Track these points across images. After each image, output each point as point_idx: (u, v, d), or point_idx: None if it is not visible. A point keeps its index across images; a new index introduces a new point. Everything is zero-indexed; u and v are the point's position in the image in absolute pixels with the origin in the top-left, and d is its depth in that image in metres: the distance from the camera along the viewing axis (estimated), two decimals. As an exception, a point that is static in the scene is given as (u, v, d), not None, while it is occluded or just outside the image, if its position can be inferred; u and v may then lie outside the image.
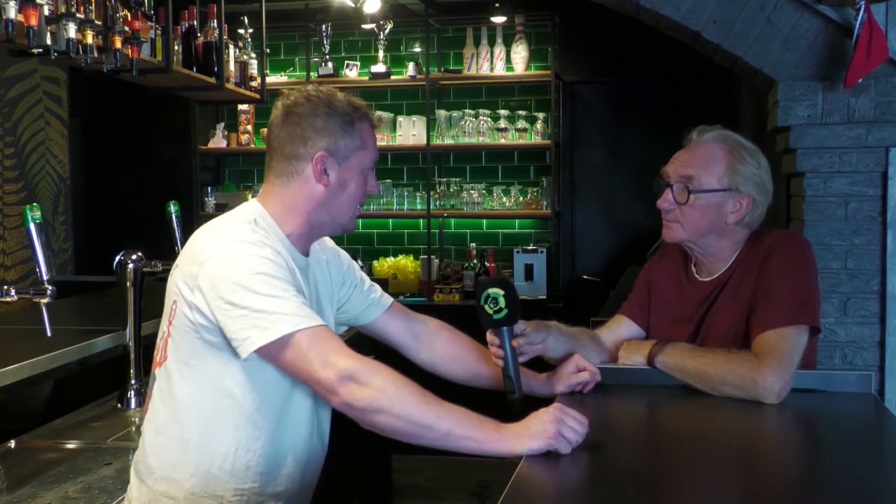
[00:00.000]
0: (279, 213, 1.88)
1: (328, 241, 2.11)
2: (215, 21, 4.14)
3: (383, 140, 5.91)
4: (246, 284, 1.71)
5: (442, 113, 6.01)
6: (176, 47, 3.91)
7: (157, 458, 1.83)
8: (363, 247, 6.23)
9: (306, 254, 1.95)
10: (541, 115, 5.90)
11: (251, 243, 1.77)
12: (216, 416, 1.79)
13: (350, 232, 2.00)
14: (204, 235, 1.84)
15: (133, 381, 2.72)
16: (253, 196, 5.97)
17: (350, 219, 1.94)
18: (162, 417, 1.83)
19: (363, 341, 2.30)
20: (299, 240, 1.90)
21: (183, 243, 2.85)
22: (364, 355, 1.74)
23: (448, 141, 5.97)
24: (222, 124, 6.27)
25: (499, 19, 5.86)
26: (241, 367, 1.77)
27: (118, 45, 3.26)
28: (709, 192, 2.13)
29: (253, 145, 6.22)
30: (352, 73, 6.09)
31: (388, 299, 2.20)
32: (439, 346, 2.20)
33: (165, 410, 1.83)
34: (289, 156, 1.87)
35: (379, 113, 5.97)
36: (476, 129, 5.92)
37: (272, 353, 1.71)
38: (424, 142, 5.90)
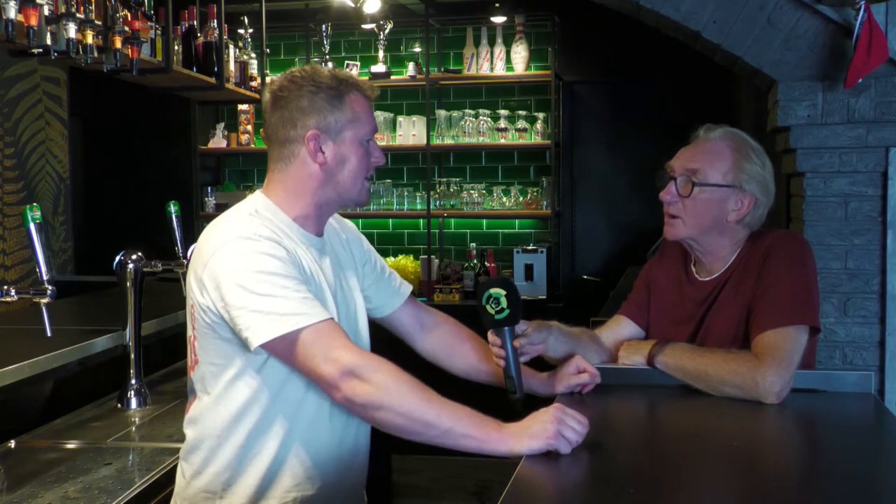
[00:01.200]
0: (282, 199, 1.88)
1: (349, 223, 2.14)
2: (215, 21, 4.14)
3: (383, 140, 5.91)
4: (242, 283, 1.72)
5: (442, 113, 6.01)
6: (176, 47, 3.92)
7: (196, 455, 1.87)
8: (363, 247, 6.22)
9: (320, 234, 1.94)
10: (541, 115, 5.90)
11: (247, 238, 1.77)
12: (247, 410, 1.82)
13: (363, 205, 1.99)
14: (207, 234, 1.86)
15: (133, 381, 2.72)
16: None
17: (359, 192, 1.92)
18: (201, 416, 1.87)
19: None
20: (307, 221, 1.90)
21: (183, 243, 2.88)
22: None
23: (448, 141, 5.97)
24: (222, 124, 6.27)
25: (499, 19, 5.85)
26: (263, 361, 1.79)
27: (118, 45, 3.26)
28: (713, 187, 2.12)
29: (253, 145, 6.22)
30: (352, 73, 6.07)
31: (408, 287, 2.21)
32: (442, 337, 2.21)
33: (202, 409, 1.86)
34: (282, 140, 1.87)
35: (379, 113, 5.97)
36: (476, 129, 5.91)
37: (276, 350, 1.74)
38: (424, 142, 5.90)
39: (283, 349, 1.72)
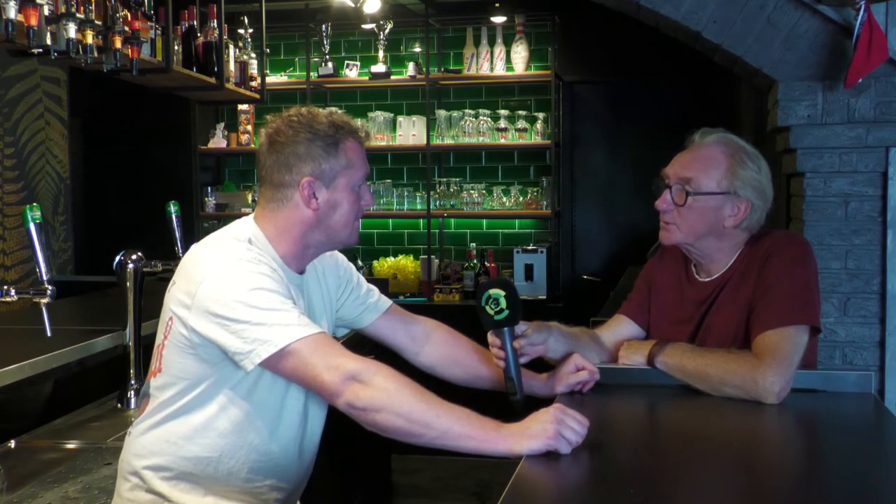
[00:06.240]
0: (272, 234, 1.91)
1: None
2: (215, 21, 4.14)
3: (383, 140, 5.91)
4: (244, 300, 1.74)
5: (442, 113, 6.01)
6: (176, 47, 3.92)
7: (143, 458, 1.88)
8: (363, 247, 6.23)
9: (302, 272, 1.97)
10: (541, 115, 5.90)
11: (247, 261, 1.80)
12: (204, 425, 1.84)
13: (352, 245, 2.02)
14: (200, 254, 1.87)
15: (133, 381, 2.72)
16: (253, 196, 6.03)
17: (348, 235, 1.95)
18: (154, 421, 1.88)
19: (364, 342, 2.30)
20: (293, 260, 1.93)
21: (183, 243, 2.88)
22: (365, 356, 1.76)
23: (448, 141, 5.97)
24: (222, 124, 6.27)
25: (499, 19, 5.85)
26: (233, 382, 1.82)
27: (118, 45, 3.27)
28: (707, 195, 2.13)
29: (253, 145, 6.21)
30: (352, 73, 6.09)
31: (386, 303, 2.21)
32: (438, 348, 2.20)
33: (157, 415, 1.87)
34: (276, 184, 1.90)
35: (379, 113, 5.98)
36: (476, 129, 5.91)
37: (275, 364, 1.75)
38: (424, 142, 5.90)
39: (284, 361, 1.74)
